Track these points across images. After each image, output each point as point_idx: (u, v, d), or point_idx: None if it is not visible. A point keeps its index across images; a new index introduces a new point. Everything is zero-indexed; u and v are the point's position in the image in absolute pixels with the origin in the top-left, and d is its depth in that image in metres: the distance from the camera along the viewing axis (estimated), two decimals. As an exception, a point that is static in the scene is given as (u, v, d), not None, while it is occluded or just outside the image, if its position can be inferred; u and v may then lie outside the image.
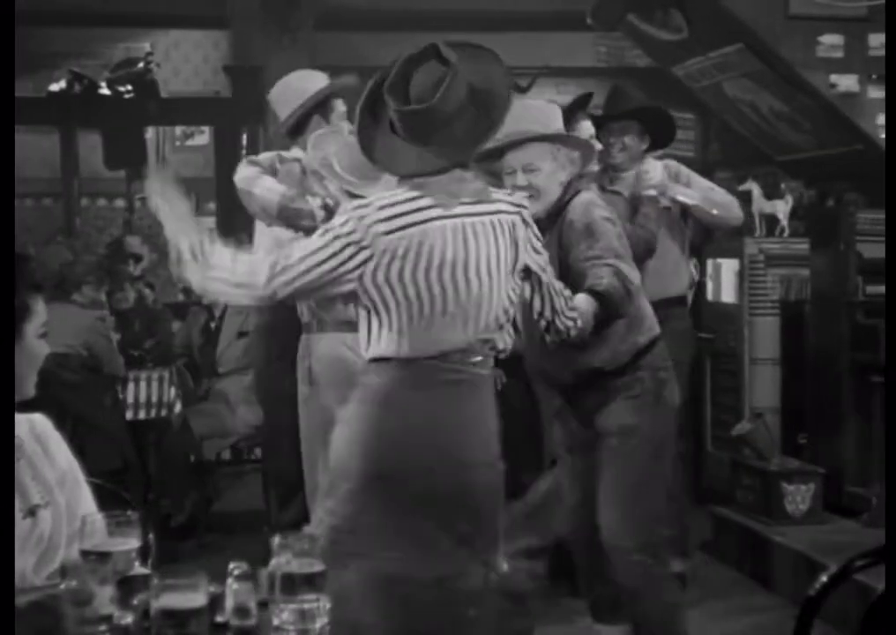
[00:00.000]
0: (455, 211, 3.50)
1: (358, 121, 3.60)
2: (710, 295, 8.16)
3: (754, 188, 7.80)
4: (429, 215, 3.48)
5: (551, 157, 4.41)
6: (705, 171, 12.11)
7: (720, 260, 8.00)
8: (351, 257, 3.45)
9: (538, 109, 4.56)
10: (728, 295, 7.88)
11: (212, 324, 7.93)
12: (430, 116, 3.45)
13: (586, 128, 5.85)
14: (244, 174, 5.14)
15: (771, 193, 7.87)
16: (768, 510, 6.67)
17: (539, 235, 3.68)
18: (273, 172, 5.16)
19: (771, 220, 7.78)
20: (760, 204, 7.79)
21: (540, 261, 3.67)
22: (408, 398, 3.47)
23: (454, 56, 3.45)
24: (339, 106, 5.41)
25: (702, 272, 8.52)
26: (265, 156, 5.35)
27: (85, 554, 2.43)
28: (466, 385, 3.52)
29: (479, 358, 3.54)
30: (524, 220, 3.61)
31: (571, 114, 5.70)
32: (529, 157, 4.38)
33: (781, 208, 7.78)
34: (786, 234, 7.77)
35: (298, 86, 5.44)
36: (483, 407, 3.57)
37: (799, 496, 6.60)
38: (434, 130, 3.47)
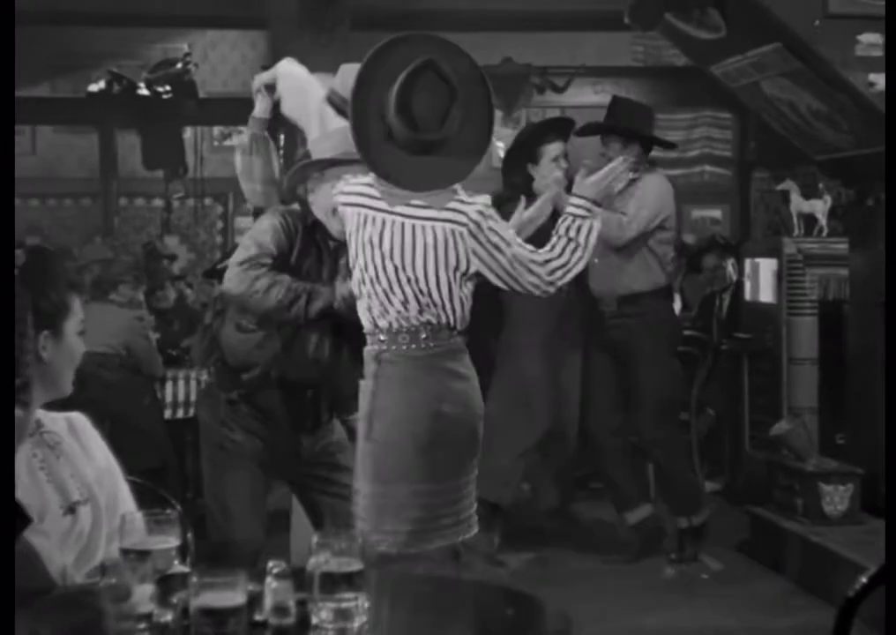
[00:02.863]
0: (397, 209, 4.04)
1: (360, 136, 4.01)
2: (748, 295, 8.14)
3: (792, 187, 7.77)
4: (374, 205, 4.07)
5: None
6: (743, 170, 12.14)
7: (758, 260, 7.98)
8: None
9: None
10: (767, 295, 7.85)
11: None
12: (440, 139, 3.96)
13: (556, 149, 6.57)
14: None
15: (809, 193, 7.85)
16: (806, 510, 6.65)
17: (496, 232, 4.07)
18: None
19: (809, 220, 7.76)
20: (798, 203, 7.77)
21: (492, 262, 4.06)
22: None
23: (454, 77, 3.89)
24: None
25: (740, 271, 8.50)
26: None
27: (124, 552, 2.44)
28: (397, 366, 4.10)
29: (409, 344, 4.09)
30: (471, 232, 4.02)
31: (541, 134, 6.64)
32: None
33: (820, 208, 7.75)
34: (824, 233, 7.74)
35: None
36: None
37: (837, 497, 6.58)
38: (439, 147, 3.97)
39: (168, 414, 7.51)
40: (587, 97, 11.40)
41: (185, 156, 11.27)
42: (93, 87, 11.16)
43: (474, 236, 4.02)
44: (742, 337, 8.11)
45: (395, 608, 2.60)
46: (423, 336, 4.07)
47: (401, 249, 4.04)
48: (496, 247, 4.04)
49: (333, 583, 2.28)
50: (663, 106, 13.59)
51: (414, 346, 4.07)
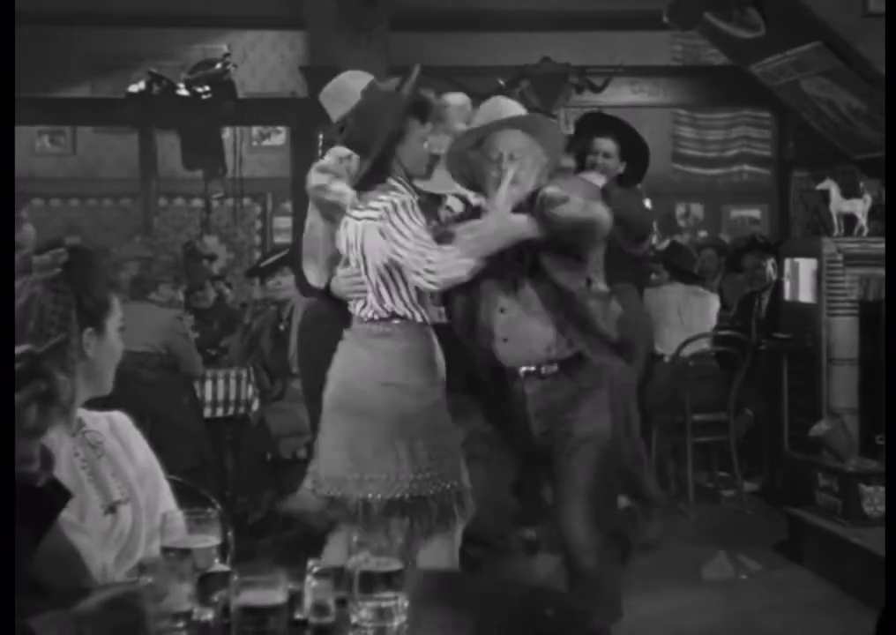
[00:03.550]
0: (354, 214, 4.65)
1: None
2: (787, 295, 8.09)
3: (832, 187, 7.73)
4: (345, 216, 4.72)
5: (530, 149, 4.73)
6: (782, 169, 12.11)
7: (797, 260, 7.94)
8: None
9: (516, 107, 5.00)
10: (806, 295, 7.81)
11: (281, 326, 7.95)
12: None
13: (603, 143, 6.62)
14: (315, 182, 5.21)
15: (849, 192, 7.80)
16: (846, 511, 6.62)
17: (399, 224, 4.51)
18: (343, 174, 5.28)
19: (849, 220, 7.71)
20: (838, 203, 7.72)
21: (394, 247, 4.51)
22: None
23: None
24: None
25: (780, 271, 8.46)
26: (330, 160, 5.42)
27: (165, 550, 2.45)
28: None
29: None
30: (382, 218, 4.52)
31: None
32: (513, 144, 4.71)
33: (860, 207, 7.70)
34: (864, 233, 7.69)
35: (353, 87, 5.48)
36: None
37: (877, 498, 6.54)
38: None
39: (207, 413, 7.54)
40: (626, 97, 11.39)
41: (224, 156, 11.30)
42: (133, 88, 11.21)
43: (380, 231, 4.52)
44: (781, 337, 8.07)
45: (435, 608, 2.60)
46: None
47: (357, 247, 4.66)
48: (395, 240, 4.48)
49: (373, 582, 2.29)
50: (702, 105, 13.58)
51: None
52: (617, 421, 4.91)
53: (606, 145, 6.67)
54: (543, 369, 4.73)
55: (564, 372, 4.75)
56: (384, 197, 4.55)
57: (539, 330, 4.71)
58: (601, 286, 4.85)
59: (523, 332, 4.72)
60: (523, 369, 4.74)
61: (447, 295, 4.75)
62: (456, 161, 4.85)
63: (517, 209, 4.59)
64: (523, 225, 4.52)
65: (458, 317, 4.83)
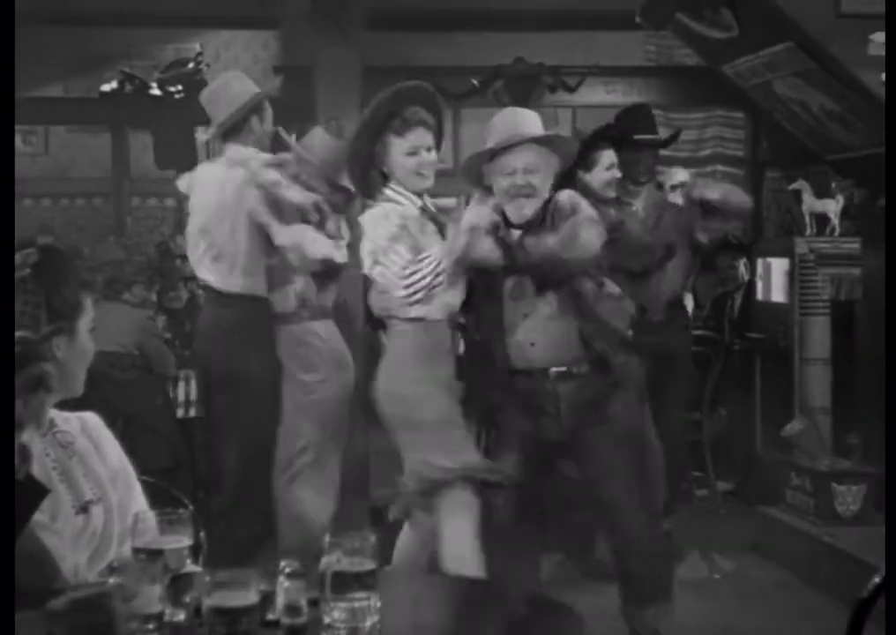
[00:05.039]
0: None
1: None
2: (760, 295, 8.12)
3: (804, 187, 7.75)
4: None
5: (545, 161, 4.85)
6: (755, 170, 12.13)
7: (769, 259, 7.97)
8: None
9: (531, 116, 5.00)
10: (778, 295, 7.84)
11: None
12: None
13: (608, 156, 6.11)
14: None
15: (821, 192, 7.82)
16: (818, 510, 6.64)
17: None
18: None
19: (821, 220, 7.73)
20: (811, 203, 7.75)
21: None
22: None
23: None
24: (268, 108, 6.20)
25: (752, 271, 8.48)
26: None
27: (137, 551, 2.44)
28: None
29: None
30: None
31: (595, 142, 6.21)
32: (528, 159, 4.81)
33: (832, 207, 7.73)
34: (836, 233, 7.72)
35: (237, 89, 5.76)
36: None
37: (850, 497, 6.57)
38: None
39: (180, 413, 7.51)
40: (599, 97, 11.38)
41: (197, 156, 11.27)
42: (106, 87, 11.17)
43: None
44: (754, 337, 8.10)
45: (411, 608, 2.60)
46: None
47: None
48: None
49: (345, 582, 2.29)
50: (675, 105, 13.58)
51: None
52: (647, 415, 5.30)
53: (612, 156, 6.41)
54: (574, 369, 4.86)
55: (593, 371, 4.88)
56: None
57: (563, 332, 4.84)
58: (612, 288, 5.01)
59: (550, 335, 4.85)
60: (554, 369, 4.86)
61: (468, 302, 4.90)
62: (471, 174, 4.99)
63: (533, 218, 4.82)
64: (485, 251, 4.71)
65: (481, 323, 4.94)
